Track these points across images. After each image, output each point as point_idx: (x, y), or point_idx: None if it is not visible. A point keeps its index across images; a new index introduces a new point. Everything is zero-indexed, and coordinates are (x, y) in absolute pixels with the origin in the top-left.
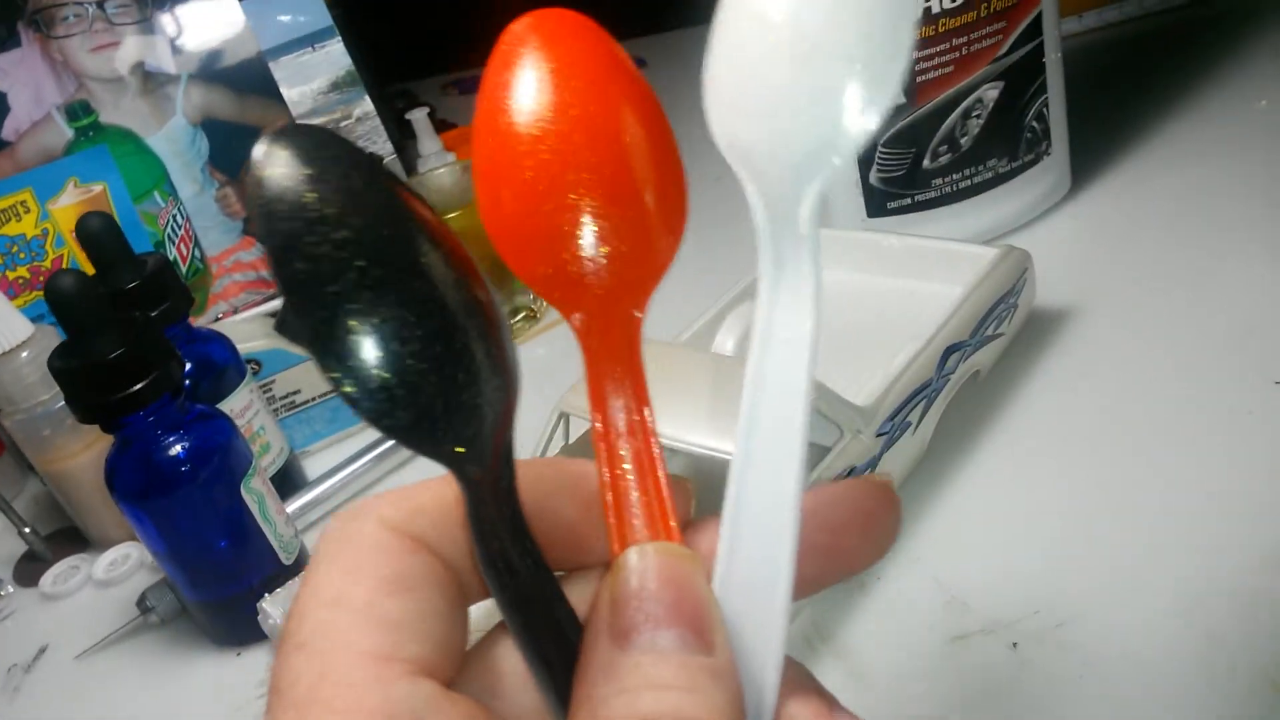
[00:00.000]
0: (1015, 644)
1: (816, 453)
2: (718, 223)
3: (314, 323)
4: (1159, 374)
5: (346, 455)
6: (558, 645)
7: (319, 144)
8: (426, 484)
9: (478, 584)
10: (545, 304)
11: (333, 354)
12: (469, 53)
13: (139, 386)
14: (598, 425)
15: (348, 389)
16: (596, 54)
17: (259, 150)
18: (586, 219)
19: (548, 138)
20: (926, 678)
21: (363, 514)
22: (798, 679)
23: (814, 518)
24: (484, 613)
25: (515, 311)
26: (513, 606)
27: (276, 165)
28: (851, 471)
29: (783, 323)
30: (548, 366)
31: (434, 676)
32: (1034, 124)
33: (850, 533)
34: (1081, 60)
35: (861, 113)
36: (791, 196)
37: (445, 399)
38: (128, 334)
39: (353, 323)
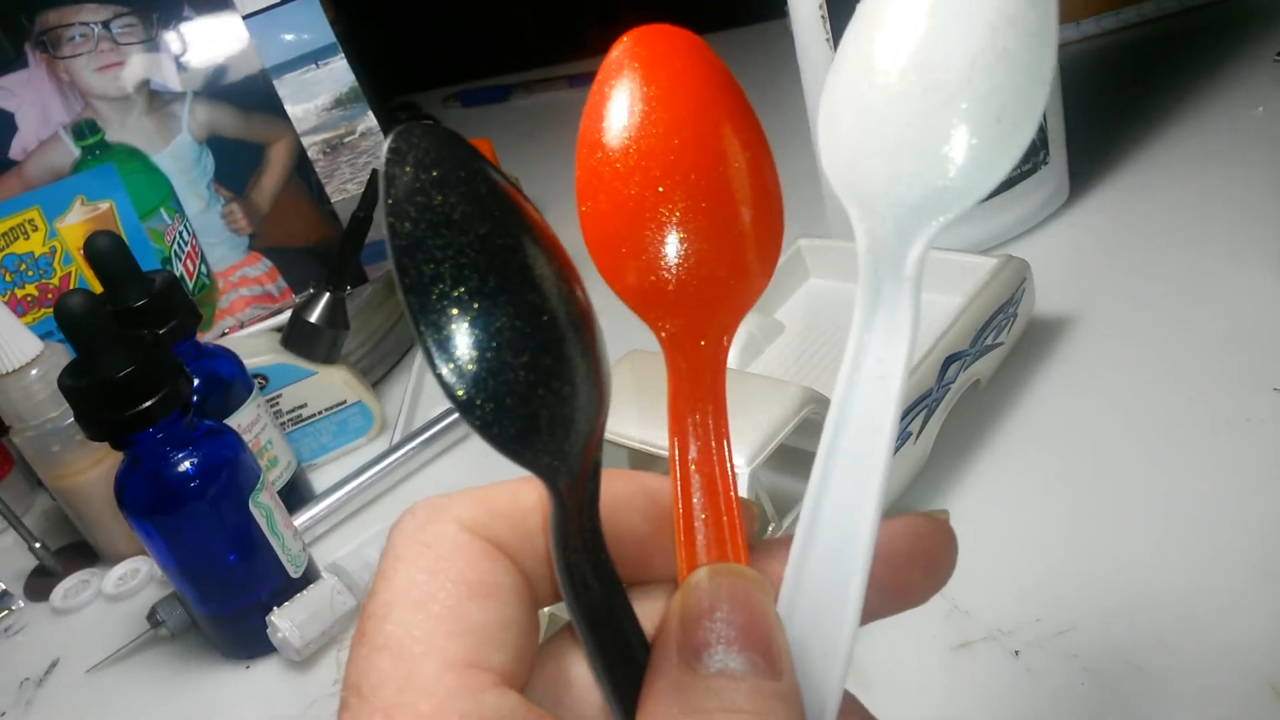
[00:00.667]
0: (1017, 652)
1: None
2: None
3: (431, 325)
4: (1159, 381)
5: (353, 468)
6: (626, 660)
7: (443, 144)
8: (500, 487)
9: (549, 591)
10: None
11: (447, 357)
12: (471, 65)
13: (148, 404)
14: (675, 443)
15: (459, 394)
16: (705, 74)
17: (387, 149)
18: (687, 240)
19: (653, 156)
20: (929, 686)
21: (440, 515)
22: (849, 706)
23: (877, 551)
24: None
25: None
26: (586, 619)
27: (404, 165)
28: None
29: (875, 358)
30: None
31: (513, 686)
32: None
33: (912, 569)
34: (1080, 67)
35: (983, 170)
36: (901, 238)
37: (550, 411)
38: (136, 352)
39: (470, 328)
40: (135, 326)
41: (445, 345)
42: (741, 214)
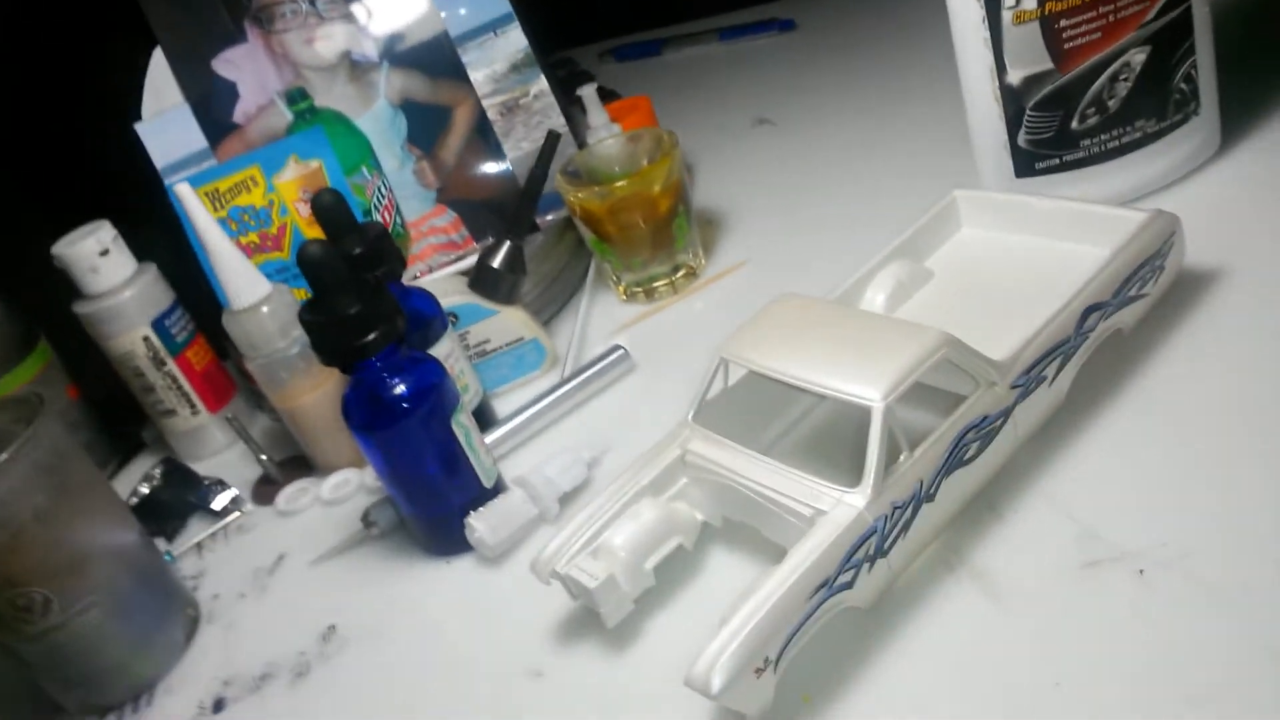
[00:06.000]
0: (1142, 571)
1: (953, 401)
2: (872, 181)
3: None
4: None
5: (529, 398)
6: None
7: None
8: None
9: None
10: (704, 261)
11: None
12: (625, 20)
13: (372, 337)
14: None
15: None
16: None
17: None
18: None
19: None
20: (1056, 600)
21: None
22: None
23: None
24: None
25: (676, 269)
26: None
27: None
28: (985, 419)
29: None
30: (704, 320)
31: None
32: (1182, 85)
33: None
34: (1235, 15)
35: None
36: None
37: None
38: (363, 293)
39: None
40: (354, 271)
41: None
42: None
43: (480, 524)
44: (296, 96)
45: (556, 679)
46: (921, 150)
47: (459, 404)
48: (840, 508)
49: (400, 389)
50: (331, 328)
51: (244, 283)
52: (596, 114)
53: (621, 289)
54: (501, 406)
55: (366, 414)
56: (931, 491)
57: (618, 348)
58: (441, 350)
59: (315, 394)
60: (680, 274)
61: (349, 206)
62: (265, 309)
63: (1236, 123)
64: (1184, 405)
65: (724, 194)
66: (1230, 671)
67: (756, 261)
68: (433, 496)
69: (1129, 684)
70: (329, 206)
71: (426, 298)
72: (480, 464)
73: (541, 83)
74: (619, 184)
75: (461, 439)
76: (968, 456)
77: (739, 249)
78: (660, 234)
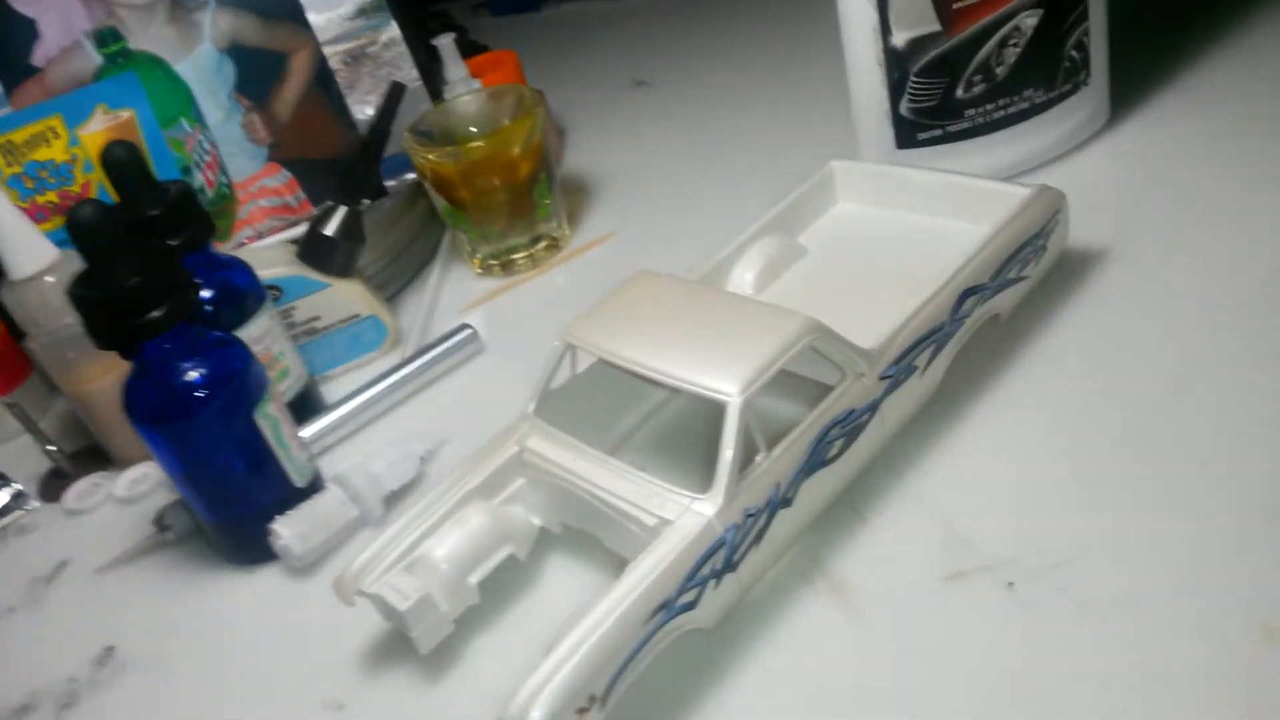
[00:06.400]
0: (1011, 583)
1: (818, 392)
2: (752, 148)
3: None
4: (1189, 320)
5: (364, 381)
6: None
7: None
8: None
9: None
10: (569, 232)
11: None
12: None
13: (156, 315)
14: None
15: None
16: None
17: None
18: None
19: None
20: (919, 616)
21: None
22: None
23: None
24: None
25: (537, 240)
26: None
27: None
28: (851, 414)
29: None
30: (567, 297)
31: None
32: (1073, 53)
33: None
34: None
35: None
36: None
37: None
38: (146, 263)
39: None
40: (150, 236)
41: None
42: None
43: (287, 530)
44: (107, 37)
45: (358, 712)
46: (804, 118)
47: (267, 393)
48: (687, 516)
49: (193, 375)
50: (106, 304)
51: (24, 249)
52: (454, 67)
53: (477, 262)
54: (333, 392)
55: (152, 405)
56: (789, 495)
57: (465, 326)
58: (255, 329)
59: (109, 378)
60: (541, 245)
61: (143, 161)
62: (50, 279)
63: (1125, 94)
64: (1063, 398)
65: (595, 160)
66: (1097, 703)
67: (626, 234)
68: (233, 499)
69: (990, 714)
70: (120, 161)
71: (240, 268)
72: (291, 460)
73: (393, 30)
74: (474, 144)
75: (268, 433)
76: (830, 455)
77: (608, 220)
78: (520, 201)
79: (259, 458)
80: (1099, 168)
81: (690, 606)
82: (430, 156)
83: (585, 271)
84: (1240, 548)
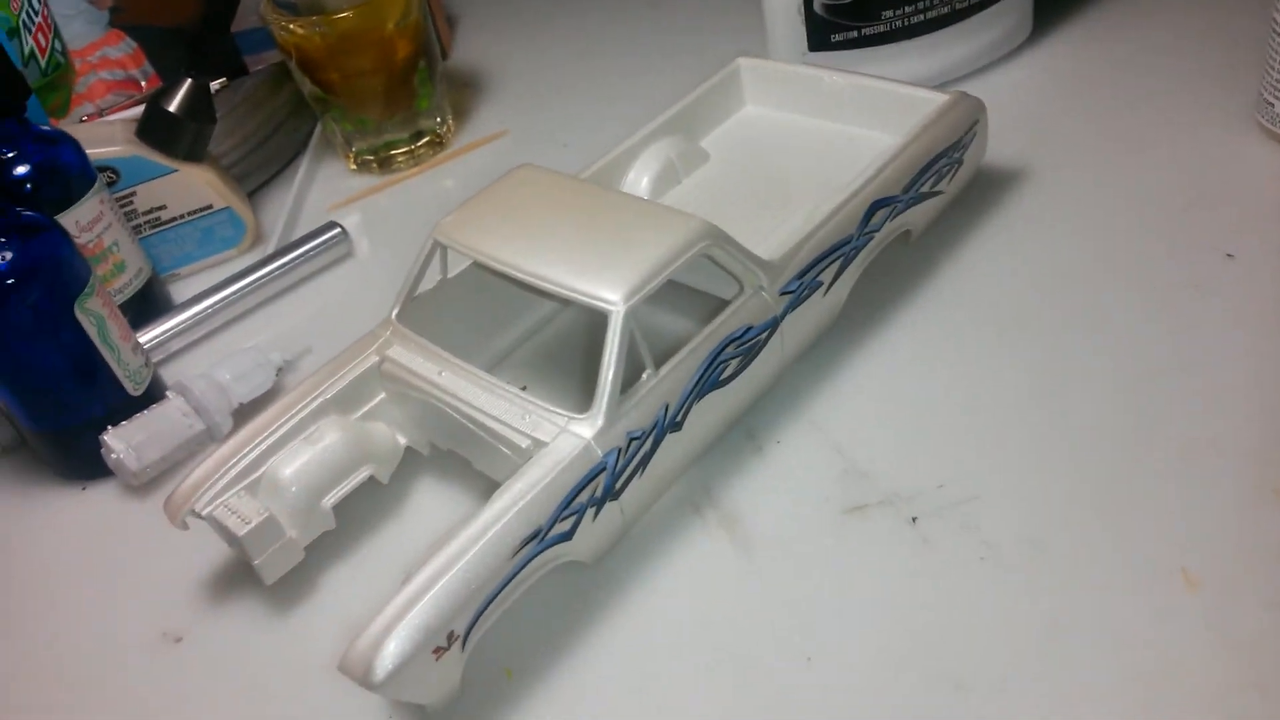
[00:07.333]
0: (915, 519)
1: (713, 306)
2: (657, 43)
3: None
4: (1104, 244)
5: (217, 282)
6: None
7: None
8: None
9: None
10: (453, 128)
11: None
12: None
13: None
14: None
15: None
16: None
17: None
18: None
19: None
20: (819, 548)
21: None
22: None
23: None
24: None
25: (419, 135)
26: None
27: None
28: (748, 331)
29: None
30: (449, 199)
31: None
32: None
33: None
34: None
35: None
36: None
37: None
38: None
39: None
40: None
41: None
42: None
43: (120, 442)
44: None
45: (198, 646)
46: (714, 14)
47: (89, 286)
48: (563, 437)
49: None
50: None
51: None
52: None
53: (351, 157)
54: (183, 292)
55: None
56: (679, 418)
57: (333, 225)
58: (84, 214)
59: None
60: (424, 142)
61: None
62: None
63: (1048, 10)
64: (972, 326)
65: (487, 53)
66: (1000, 649)
67: (519, 133)
68: (56, 405)
69: (888, 660)
70: None
71: (66, 144)
72: (122, 364)
73: None
74: (342, 14)
75: (92, 331)
76: (725, 376)
77: (500, 118)
78: (397, 89)
79: (84, 359)
80: (1018, 84)
81: (565, 537)
82: (292, 27)
83: (471, 172)
84: (1155, 490)
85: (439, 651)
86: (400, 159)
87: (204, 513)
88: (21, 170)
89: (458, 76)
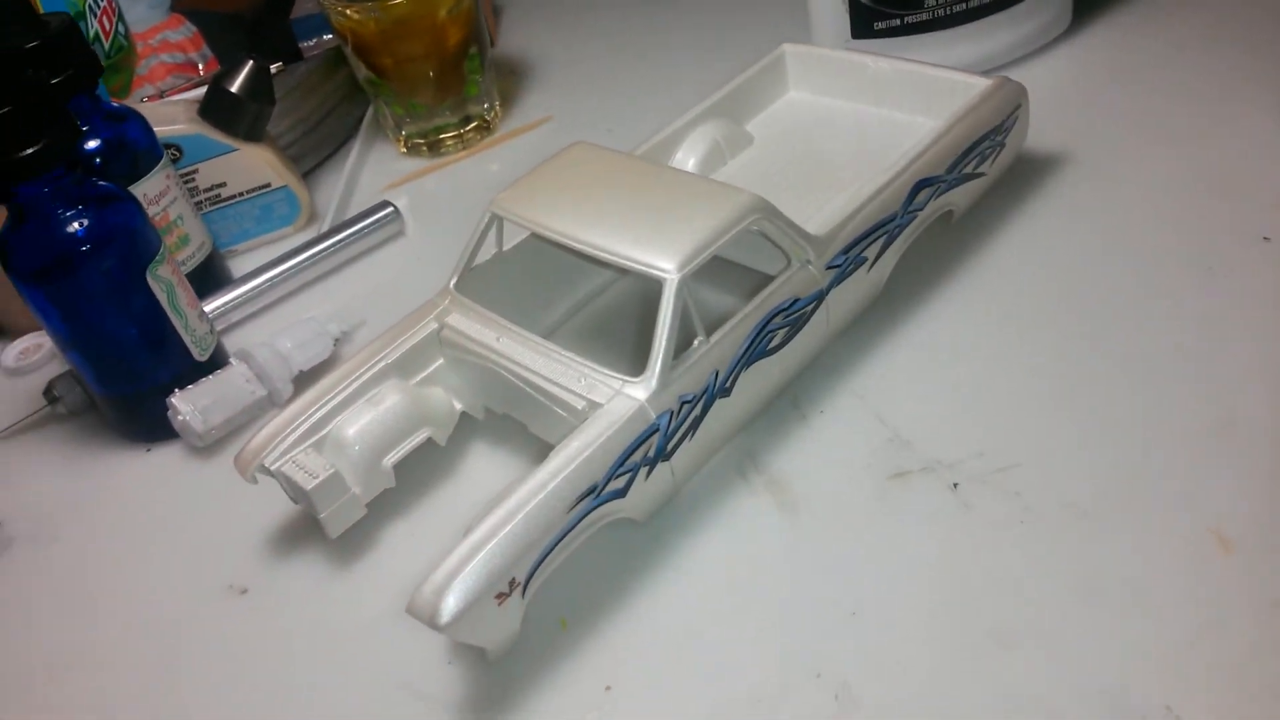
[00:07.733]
0: (956, 484)
1: (760, 280)
2: (699, 33)
3: None
4: (1142, 227)
5: (275, 257)
6: None
7: None
8: None
9: None
10: (500, 113)
11: None
12: None
13: (30, 151)
14: None
15: None
16: None
17: None
18: None
19: None
20: (860, 515)
21: None
22: None
23: None
24: None
25: (467, 120)
26: None
27: None
28: (795, 303)
29: None
30: (496, 182)
31: None
32: None
33: None
34: None
35: None
36: None
37: None
38: (17, 93)
39: None
40: (19, 71)
41: None
42: None
43: (186, 405)
44: None
45: (263, 598)
46: (757, 3)
47: (160, 254)
48: (618, 399)
49: (75, 227)
50: None
51: None
52: None
53: (401, 140)
54: (241, 267)
55: (34, 258)
56: (728, 384)
57: (387, 204)
58: (150, 188)
59: None
60: (472, 127)
61: None
62: None
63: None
64: (1012, 303)
65: (533, 40)
66: (1040, 607)
67: (563, 118)
68: (126, 370)
69: (931, 615)
70: None
71: (134, 120)
72: (190, 331)
73: None
74: (396, 1)
75: (162, 297)
76: (772, 345)
77: (545, 104)
78: (448, 74)
79: (153, 325)
80: (1057, 73)
81: (619, 494)
82: (348, 13)
83: (518, 156)
84: (1192, 458)
85: (501, 597)
86: (449, 143)
87: (273, 468)
88: (93, 145)
89: (503, 64)
